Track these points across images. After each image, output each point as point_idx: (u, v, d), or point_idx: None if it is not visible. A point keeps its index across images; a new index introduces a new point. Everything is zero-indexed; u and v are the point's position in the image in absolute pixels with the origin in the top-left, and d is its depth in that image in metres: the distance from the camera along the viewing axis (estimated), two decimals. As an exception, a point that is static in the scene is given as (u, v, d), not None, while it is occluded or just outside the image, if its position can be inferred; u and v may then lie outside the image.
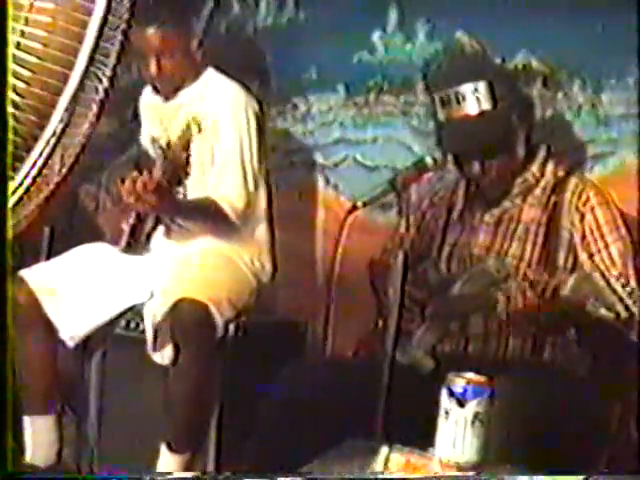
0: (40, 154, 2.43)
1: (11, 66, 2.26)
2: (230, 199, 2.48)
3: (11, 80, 2.26)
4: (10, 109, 2.22)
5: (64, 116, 2.39)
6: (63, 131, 2.41)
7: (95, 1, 2.34)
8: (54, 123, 2.40)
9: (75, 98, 2.38)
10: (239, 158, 2.50)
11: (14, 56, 2.31)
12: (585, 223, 2.23)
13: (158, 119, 2.64)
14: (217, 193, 2.48)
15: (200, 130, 2.51)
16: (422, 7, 2.86)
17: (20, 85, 2.36)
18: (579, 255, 2.23)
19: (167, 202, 2.37)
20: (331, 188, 3.06)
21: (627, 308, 1.88)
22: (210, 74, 2.60)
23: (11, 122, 2.27)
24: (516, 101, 2.32)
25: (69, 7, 2.36)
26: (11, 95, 2.27)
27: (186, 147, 2.46)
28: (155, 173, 2.35)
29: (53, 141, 2.42)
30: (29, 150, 2.44)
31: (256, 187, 2.53)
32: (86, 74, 2.36)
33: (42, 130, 2.42)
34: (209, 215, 2.51)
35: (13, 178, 2.42)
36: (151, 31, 2.47)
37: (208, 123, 2.52)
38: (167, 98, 2.62)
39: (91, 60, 2.37)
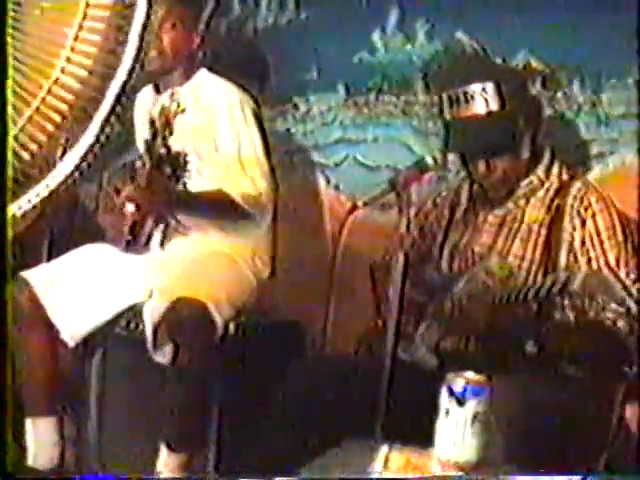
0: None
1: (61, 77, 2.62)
2: (240, 189, 2.47)
3: (60, 92, 2.63)
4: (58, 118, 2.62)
5: (104, 125, 2.63)
6: (103, 142, 2.61)
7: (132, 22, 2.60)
8: (92, 132, 2.63)
9: (113, 112, 2.63)
10: (236, 153, 2.51)
11: (62, 69, 2.63)
12: (585, 229, 2.24)
13: (149, 120, 2.64)
14: (225, 186, 2.48)
15: (183, 110, 2.52)
16: (422, 7, 2.86)
17: (69, 97, 2.63)
18: (578, 259, 2.24)
19: (165, 196, 2.39)
20: (331, 188, 3.06)
21: (638, 303, 1.89)
22: (203, 74, 2.61)
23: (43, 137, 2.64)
24: (524, 103, 2.33)
25: (111, 29, 2.64)
26: (58, 105, 2.63)
27: (168, 125, 2.47)
28: (146, 170, 2.37)
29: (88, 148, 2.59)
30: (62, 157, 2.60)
31: (262, 181, 2.53)
32: (124, 88, 2.61)
33: (77, 140, 2.63)
34: (219, 205, 2.51)
35: (19, 183, 2.54)
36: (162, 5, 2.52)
37: (204, 120, 2.54)
38: (158, 91, 2.63)
39: (129, 77, 2.60)
